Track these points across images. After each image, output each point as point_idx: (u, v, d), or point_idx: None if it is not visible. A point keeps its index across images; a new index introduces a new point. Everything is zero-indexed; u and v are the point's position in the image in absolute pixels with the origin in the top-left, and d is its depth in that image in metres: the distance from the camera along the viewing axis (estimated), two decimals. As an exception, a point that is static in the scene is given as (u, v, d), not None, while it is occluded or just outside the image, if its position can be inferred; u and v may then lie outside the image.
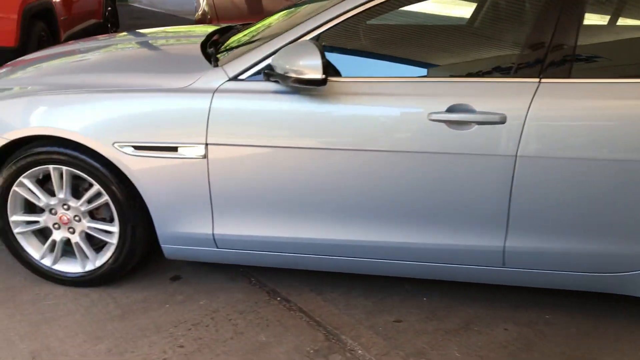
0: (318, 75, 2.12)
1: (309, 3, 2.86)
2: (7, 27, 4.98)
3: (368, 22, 2.38)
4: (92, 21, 7.35)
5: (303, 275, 2.78)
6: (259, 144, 2.31)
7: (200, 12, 5.91)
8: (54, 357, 2.24)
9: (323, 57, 2.12)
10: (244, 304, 2.58)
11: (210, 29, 3.46)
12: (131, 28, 9.57)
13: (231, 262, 2.59)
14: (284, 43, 2.32)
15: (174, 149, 2.36)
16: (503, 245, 2.35)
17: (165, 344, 2.32)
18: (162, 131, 2.34)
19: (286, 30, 2.38)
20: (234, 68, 2.36)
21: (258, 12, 5.54)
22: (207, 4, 5.67)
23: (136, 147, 2.36)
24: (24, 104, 2.45)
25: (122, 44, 3.13)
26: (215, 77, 2.36)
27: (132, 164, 2.38)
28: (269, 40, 2.37)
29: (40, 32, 5.49)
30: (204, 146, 2.33)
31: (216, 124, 2.31)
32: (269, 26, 2.78)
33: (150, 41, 3.16)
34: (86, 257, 2.63)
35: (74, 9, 6.56)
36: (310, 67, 2.13)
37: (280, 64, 2.20)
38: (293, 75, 2.16)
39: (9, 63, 3.18)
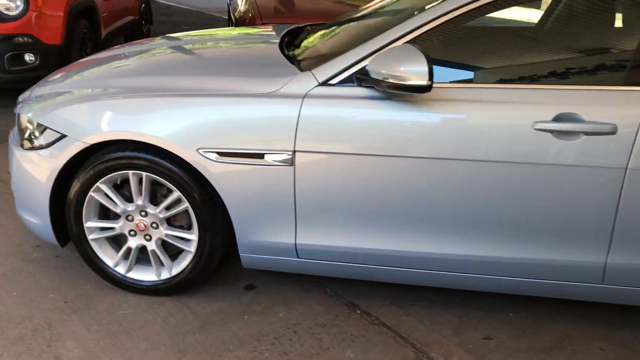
0: (424, 81, 2.02)
1: (389, 4, 2.76)
2: (54, 24, 4.92)
3: (465, 24, 2.27)
4: (129, 18, 7.29)
5: (380, 287, 2.68)
6: (350, 151, 2.21)
7: (240, 11, 5.82)
8: (138, 371, 2.16)
9: (429, 62, 2.01)
10: (324, 317, 2.49)
11: (266, 29, 3.38)
12: (162, 25, 9.51)
13: (311, 272, 2.49)
14: (378, 47, 2.22)
15: (260, 156, 2.27)
16: (604, 261, 2.24)
17: (251, 358, 2.23)
18: (248, 137, 2.25)
19: (377, 33, 2.28)
20: (323, 73, 2.27)
21: (300, 12, 5.45)
22: (249, 3, 5.57)
23: (220, 154, 2.27)
24: (102, 107, 2.37)
25: (186, 46, 3.04)
26: (305, 82, 2.26)
27: (216, 171, 2.29)
28: (360, 44, 2.27)
29: (83, 29, 5.43)
30: (291, 153, 2.24)
31: (305, 130, 2.21)
32: (351, 27, 2.68)
33: (220, 44, 3.08)
34: (162, 265, 2.55)
35: (113, 6, 6.50)
36: (415, 73, 2.02)
37: (376, 68, 2.10)
38: (393, 81, 2.06)
39: (62, 69, 3.11)
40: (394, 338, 2.37)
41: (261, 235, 2.39)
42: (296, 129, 2.22)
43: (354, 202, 2.28)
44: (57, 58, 4.92)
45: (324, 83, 2.25)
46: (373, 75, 2.12)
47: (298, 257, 2.43)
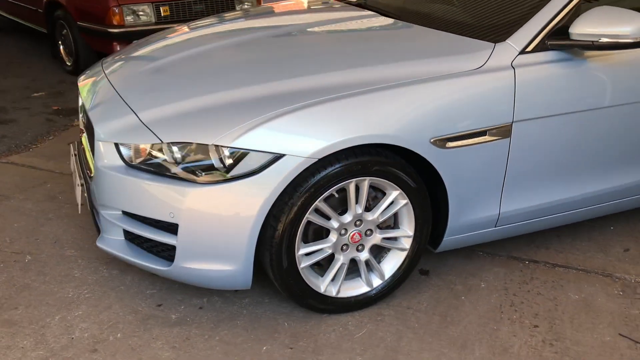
0: None
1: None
2: None
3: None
4: None
5: (511, 240, 2.87)
6: (558, 112, 2.36)
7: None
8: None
9: (640, 19, 2.25)
10: (515, 276, 2.61)
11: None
12: None
13: (502, 237, 2.59)
14: (564, 7, 2.34)
15: (483, 133, 2.26)
16: None
17: (525, 336, 2.28)
18: (470, 117, 2.23)
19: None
20: (520, 41, 2.33)
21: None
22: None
23: (448, 139, 2.20)
24: (317, 115, 2.06)
25: (297, 34, 2.77)
26: (507, 53, 2.30)
27: (443, 158, 2.21)
28: (543, 7, 2.37)
29: None
30: (510, 124, 2.29)
31: (520, 100, 2.28)
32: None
33: (331, 27, 2.84)
34: (371, 272, 2.35)
35: None
36: (631, 31, 2.23)
37: (584, 30, 2.26)
38: (607, 40, 2.25)
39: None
40: (584, 272, 2.65)
41: (471, 214, 2.39)
42: (514, 99, 2.27)
43: (558, 159, 2.44)
44: None
45: (522, 51, 2.32)
46: (578, 38, 2.28)
47: (495, 226, 2.50)
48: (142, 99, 2.31)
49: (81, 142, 2.77)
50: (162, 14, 5.22)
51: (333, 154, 2.07)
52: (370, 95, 2.11)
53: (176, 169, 2.07)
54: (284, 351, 2.14)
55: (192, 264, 2.12)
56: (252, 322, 2.28)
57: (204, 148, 2.04)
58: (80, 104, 2.90)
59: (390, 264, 2.37)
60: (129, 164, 2.18)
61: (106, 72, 2.70)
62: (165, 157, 2.10)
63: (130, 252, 2.29)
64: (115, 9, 5.03)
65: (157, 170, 2.12)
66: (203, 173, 2.04)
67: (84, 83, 2.75)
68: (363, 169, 2.13)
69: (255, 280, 2.25)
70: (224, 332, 2.23)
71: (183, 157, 2.06)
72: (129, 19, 5.10)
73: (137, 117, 2.20)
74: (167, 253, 2.20)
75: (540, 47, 2.34)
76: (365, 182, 2.17)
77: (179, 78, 2.41)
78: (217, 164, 2.02)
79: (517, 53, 2.31)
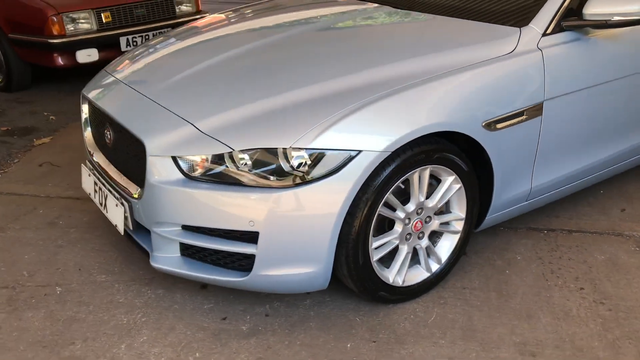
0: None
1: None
2: None
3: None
4: None
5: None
6: (583, 86, 2.54)
7: None
8: None
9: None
10: (544, 246, 2.78)
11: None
12: None
13: (530, 210, 2.74)
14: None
15: (521, 114, 2.39)
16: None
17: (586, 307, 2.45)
18: (512, 99, 2.35)
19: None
20: (540, 24, 2.48)
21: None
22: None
23: (496, 122, 2.31)
24: (385, 110, 2.09)
25: (331, 29, 2.78)
26: (532, 36, 2.44)
27: (491, 140, 2.32)
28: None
29: None
30: (541, 103, 2.44)
31: (549, 79, 2.44)
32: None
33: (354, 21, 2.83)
34: (428, 258, 2.42)
35: None
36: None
37: (597, 10, 2.45)
38: (620, 18, 2.45)
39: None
40: (598, 234, 2.87)
41: (509, 191, 2.53)
42: (544, 79, 2.41)
43: (580, 130, 2.62)
44: None
45: (544, 34, 2.47)
46: (591, 18, 2.46)
47: (526, 200, 2.65)
48: (192, 108, 2.22)
49: (93, 160, 2.60)
50: (103, 21, 4.95)
51: (401, 146, 2.11)
52: (430, 84, 2.17)
53: (249, 177, 2.02)
54: (369, 345, 2.16)
55: (272, 271, 2.08)
56: (325, 322, 2.28)
57: (277, 152, 2.00)
58: (84, 118, 2.73)
59: (445, 248, 2.45)
60: (189, 177, 2.10)
61: (126, 81, 2.55)
62: (231, 165, 2.04)
63: (193, 268, 2.21)
64: (54, 17, 4.71)
65: (223, 179, 2.05)
66: (276, 178, 2.00)
67: (96, 95, 2.58)
68: (426, 158, 2.18)
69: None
70: (301, 336, 2.21)
71: (255, 164, 2.01)
72: (70, 27, 4.79)
73: (195, 127, 2.12)
74: (239, 263, 2.14)
75: (558, 29, 2.50)
76: (427, 171, 2.23)
77: (227, 82, 2.34)
78: (289, 167, 1.99)
79: (541, 36, 2.46)
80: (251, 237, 2.05)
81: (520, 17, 2.54)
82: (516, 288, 2.48)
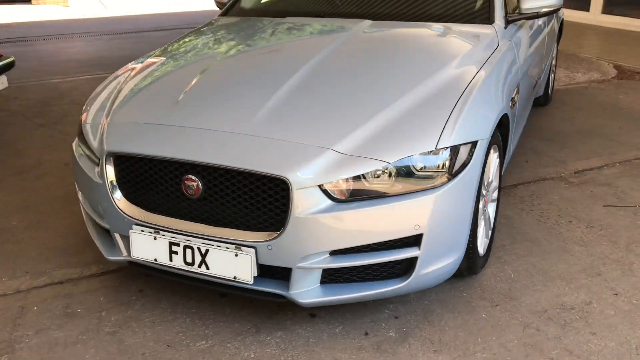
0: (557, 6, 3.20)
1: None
2: None
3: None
4: None
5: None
6: (524, 56, 3.19)
7: None
8: None
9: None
10: (527, 201, 3.39)
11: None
12: None
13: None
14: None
15: (517, 89, 2.95)
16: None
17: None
18: (514, 80, 2.89)
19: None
20: (499, 21, 3.06)
21: None
22: None
23: (512, 100, 2.82)
24: (477, 106, 2.40)
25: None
26: (501, 31, 3.01)
27: (512, 113, 2.82)
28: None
29: None
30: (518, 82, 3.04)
31: (519, 60, 3.04)
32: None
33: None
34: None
35: None
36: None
37: (531, 5, 3.13)
38: (547, 9, 3.17)
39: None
40: (543, 180, 3.59)
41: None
42: (517, 60, 3.01)
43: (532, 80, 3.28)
44: None
45: (505, 25, 3.06)
46: (526, 11, 3.14)
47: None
48: (309, 133, 2.17)
49: (146, 223, 2.29)
50: None
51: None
52: (492, 76, 2.56)
53: (399, 186, 2.11)
54: (494, 308, 2.45)
55: (429, 268, 2.22)
56: (467, 311, 2.43)
57: (427, 155, 2.14)
58: (110, 182, 2.35)
59: (492, 215, 2.83)
60: (338, 200, 2.09)
61: (186, 124, 2.30)
62: (380, 179, 2.11)
63: (342, 291, 2.20)
64: None
65: (371, 195, 2.10)
66: (430, 178, 2.15)
67: (148, 148, 2.25)
68: (495, 137, 2.54)
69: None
70: (462, 333, 2.34)
71: (407, 171, 2.12)
72: None
73: (335, 151, 2.10)
74: (391, 271, 2.21)
75: (507, 23, 3.11)
76: (494, 147, 2.60)
77: (322, 103, 2.34)
78: (438, 166, 2.16)
79: (504, 29, 3.03)
80: (414, 241, 2.16)
81: (477, 17, 3.08)
82: (536, 233, 3.02)
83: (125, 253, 2.46)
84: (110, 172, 2.36)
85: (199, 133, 2.26)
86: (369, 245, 2.14)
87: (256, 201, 2.14)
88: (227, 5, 3.78)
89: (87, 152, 2.55)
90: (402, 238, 2.14)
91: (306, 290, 2.19)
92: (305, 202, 2.07)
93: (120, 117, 2.47)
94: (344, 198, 2.10)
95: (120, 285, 2.66)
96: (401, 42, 2.91)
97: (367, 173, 2.09)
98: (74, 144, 2.73)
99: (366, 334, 2.33)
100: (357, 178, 2.09)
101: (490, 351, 2.21)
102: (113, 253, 2.50)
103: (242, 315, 2.44)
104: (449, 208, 2.19)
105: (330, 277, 2.21)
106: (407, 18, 3.21)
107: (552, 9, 3.17)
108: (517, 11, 3.20)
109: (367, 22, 3.16)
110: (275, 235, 2.11)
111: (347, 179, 2.09)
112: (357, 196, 2.10)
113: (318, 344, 2.27)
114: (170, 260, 2.28)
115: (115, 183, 2.37)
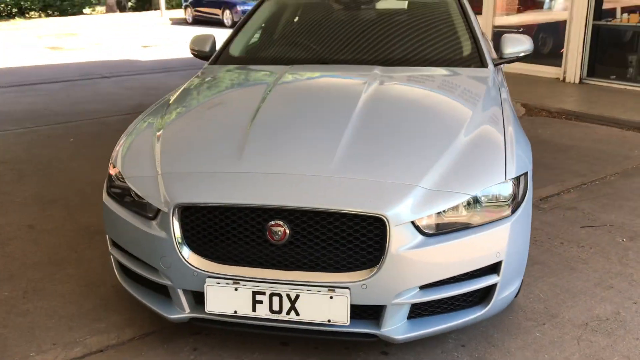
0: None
1: None
2: None
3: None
4: None
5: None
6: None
7: None
8: None
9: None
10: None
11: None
12: None
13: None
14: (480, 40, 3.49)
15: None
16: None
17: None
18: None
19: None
20: (488, 65, 3.37)
21: None
22: None
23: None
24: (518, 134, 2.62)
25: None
26: (491, 71, 3.31)
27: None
28: (477, 43, 3.44)
29: None
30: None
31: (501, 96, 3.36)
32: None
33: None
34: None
35: None
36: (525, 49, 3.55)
37: (510, 50, 3.49)
38: (516, 56, 3.53)
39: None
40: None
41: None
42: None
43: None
44: None
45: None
46: (507, 56, 3.49)
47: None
48: (388, 171, 2.24)
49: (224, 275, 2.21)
50: None
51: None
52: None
53: (479, 215, 2.24)
54: (597, 333, 2.63)
55: (504, 293, 2.35)
56: (522, 332, 2.59)
57: (504, 186, 2.30)
58: (178, 237, 2.25)
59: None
60: (428, 234, 2.17)
61: (265, 170, 2.27)
62: (464, 210, 2.23)
63: (429, 324, 2.26)
64: None
65: (454, 227, 2.21)
66: (505, 207, 2.29)
67: (224, 197, 2.19)
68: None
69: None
70: (529, 353, 2.50)
71: (487, 202, 2.25)
72: None
73: (422, 187, 2.18)
74: (470, 299, 2.31)
75: (493, 65, 3.42)
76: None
77: (389, 144, 2.42)
78: (511, 195, 2.32)
79: (492, 69, 3.34)
80: (493, 268, 2.28)
81: (467, 60, 3.37)
82: (539, 256, 3.28)
83: (188, 310, 2.33)
84: (176, 225, 2.25)
85: (279, 178, 2.24)
86: (455, 277, 2.23)
87: (348, 241, 2.16)
88: (217, 52, 3.75)
89: (135, 208, 2.41)
90: (485, 266, 2.26)
91: (396, 327, 2.22)
92: (400, 238, 2.13)
93: (179, 168, 2.37)
94: (432, 232, 2.18)
95: (170, 346, 2.50)
96: (422, 84, 3.12)
97: (453, 206, 2.20)
98: (108, 202, 2.56)
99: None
100: (452, 209, 2.20)
101: (562, 366, 2.37)
102: (173, 311, 2.36)
103: (316, 362, 2.41)
104: (519, 234, 2.34)
105: (416, 311, 2.26)
106: (401, 63, 3.41)
107: (527, 53, 3.54)
108: (499, 56, 3.53)
109: (379, 68, 3.31)
110: (372, 273, 2.14)
111: (436, 214, 2.18)
112: (444, 229, 2.20)
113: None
114: (254, 310, 2.20)
115: (182, 236, 2.26)
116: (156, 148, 2.55)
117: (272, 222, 2.17)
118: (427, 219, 2.17)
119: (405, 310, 2.23)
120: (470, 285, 2.26)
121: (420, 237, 2.16)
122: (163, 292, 2.44)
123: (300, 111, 2.76)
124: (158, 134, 2.67)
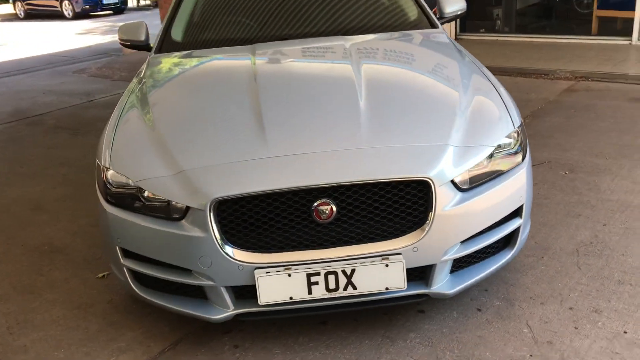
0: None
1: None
2: None
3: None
4: None
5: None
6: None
7: None
8: None
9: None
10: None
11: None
12: None
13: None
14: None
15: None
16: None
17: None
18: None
19: None
20: (440, 28, 3.50)
21: None
22: None
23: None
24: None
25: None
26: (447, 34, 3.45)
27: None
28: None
29: None
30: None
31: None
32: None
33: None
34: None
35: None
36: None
37: (450, 9, 3.66)
38: (460, 13, 3.71)
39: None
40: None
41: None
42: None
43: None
44: None
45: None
46: (448, 15, 3.66)
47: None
48: (416, 136, 2.30)
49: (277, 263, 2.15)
50: None
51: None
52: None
53: (503, 162, 2.36)
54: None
55: (524, 234, 2.51)
56: (543, 273, 2.79)
57: (514, 135, 2.45)
58: (219, 236, 2.14)
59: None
60: (465, 190, 2.26)
61: (294, 152, 2.20)
62: (492, 160, 2.33)
63: (472, 274, 2.37)
64: None
65: (485, 178, 2.31)
66: (512, 155, 2.44)
67: (266, 184, 2.10)
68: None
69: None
70: (544, 285, 2.68)
71: (502, 151, 2.38)
72: None
73: (454, 145, 2.25)
74: (495, 244, 2.44)
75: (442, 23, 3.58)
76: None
77: (406, 114, 2.45)
78: (520, 142, 2.47)
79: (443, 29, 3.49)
80: (516, 212, 2.42)
81: (417, 23, 3.51)
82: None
83: (232, 307, 2.24)
84: (214, 221, 2.13)
85: (316, 157, 2.20)
86: (491, 226, 2.35)
87: (394, 208, 2.18)
88: (159, 39, 3.51)
89: (151, 212, 2.24)
90: (512, 211, 2.40)
91: (442, 283, 2.30)
92: (444, 198, 2.19)
93: (203, 162, 2.22)
94: (467, 187, 2.27)
95: (208, 349, 2.38)
96: (397, 50, 3.18)
97: (482, 159, 2.30)
98: (112, 210, 2.34)
99: (479, 309, 2.53)
100: (485, 162, 2.30)
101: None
102: (215, 311, 2.25)
103: (362, 333, 2.42)
104: (529, 178, 2.51)
105: (456, 265, 2.35)
106: (359, 31, 3.43)
107: (463, 11, 3.73)
108: (440, 16, 3.69)
109: (343, 38, 3.29)
110: (422, 235, 2.19)
111: (468, 170, 2.27)
112: (475, 183, 2.29)
113: (453, 331, 2.40)
114: (310, 293, 2.17)
115: (220, 232, 2.15)
116: (161, 146, 2.37)
117: (319, 202, 2.13)
118: (461, 176, 2.25)
119: (449, 267, 2.31)
120: (500, 232, 2.39)
121: (459, 194, 2.24)
122: (193, 295, 2.31)
123: (301, 90, 2.69)
124: (155, 132, 2.48)
